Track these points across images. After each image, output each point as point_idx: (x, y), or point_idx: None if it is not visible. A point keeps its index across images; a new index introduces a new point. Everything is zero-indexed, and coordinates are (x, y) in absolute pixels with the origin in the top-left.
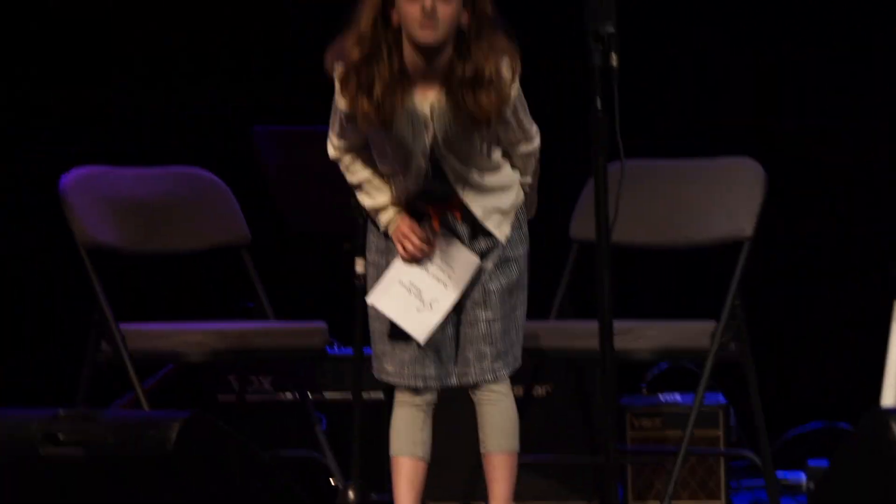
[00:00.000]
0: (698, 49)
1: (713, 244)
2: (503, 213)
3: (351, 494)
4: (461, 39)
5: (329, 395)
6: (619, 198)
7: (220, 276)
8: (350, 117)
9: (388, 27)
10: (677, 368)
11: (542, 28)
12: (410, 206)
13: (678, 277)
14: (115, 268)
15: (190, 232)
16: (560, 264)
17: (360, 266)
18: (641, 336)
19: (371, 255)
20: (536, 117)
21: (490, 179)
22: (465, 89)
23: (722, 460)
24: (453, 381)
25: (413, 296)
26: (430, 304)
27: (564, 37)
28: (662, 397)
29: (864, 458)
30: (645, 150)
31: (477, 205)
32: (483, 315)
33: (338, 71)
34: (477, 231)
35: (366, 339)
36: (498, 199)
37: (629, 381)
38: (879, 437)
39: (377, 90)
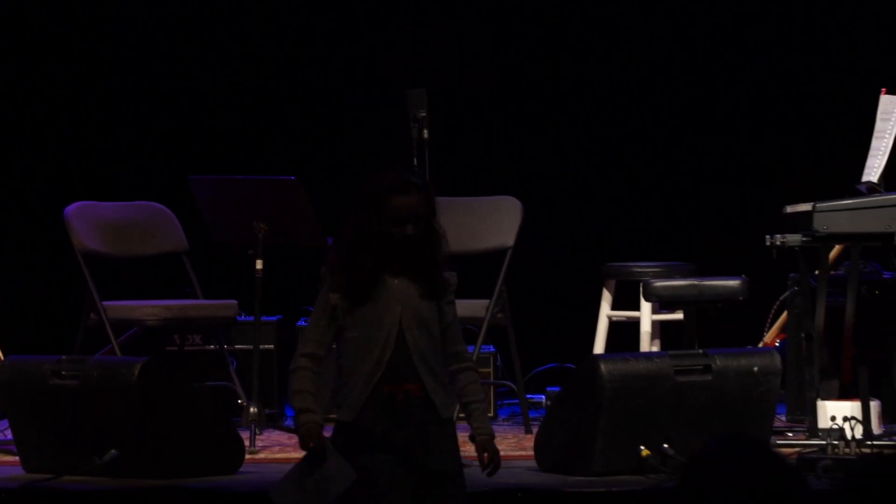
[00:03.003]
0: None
1: (489, 251)
2: (448, 396)
3: (252, 409)
4: None
5: (238, 346)
6: None
7: (169, 270)
8: (334, 309)
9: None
10: (464, 329)
11: None
12: (375, 387)
13: (466, 272)
14: (99, 265)
15: (148, 243)
16: None
17: (259, 265)
18: None
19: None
20: None
21: (440, 368)
22: (418, 270)
23: (492, 388)
24: None
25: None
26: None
27: None
28: None
29: (582, 385)
30: (446, 191)
31: (428, 379)
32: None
33: (330, 266)
34: (429, 409)
35: (262, 310)
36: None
37: None
38: (592, 373)
39: (361, 276)
